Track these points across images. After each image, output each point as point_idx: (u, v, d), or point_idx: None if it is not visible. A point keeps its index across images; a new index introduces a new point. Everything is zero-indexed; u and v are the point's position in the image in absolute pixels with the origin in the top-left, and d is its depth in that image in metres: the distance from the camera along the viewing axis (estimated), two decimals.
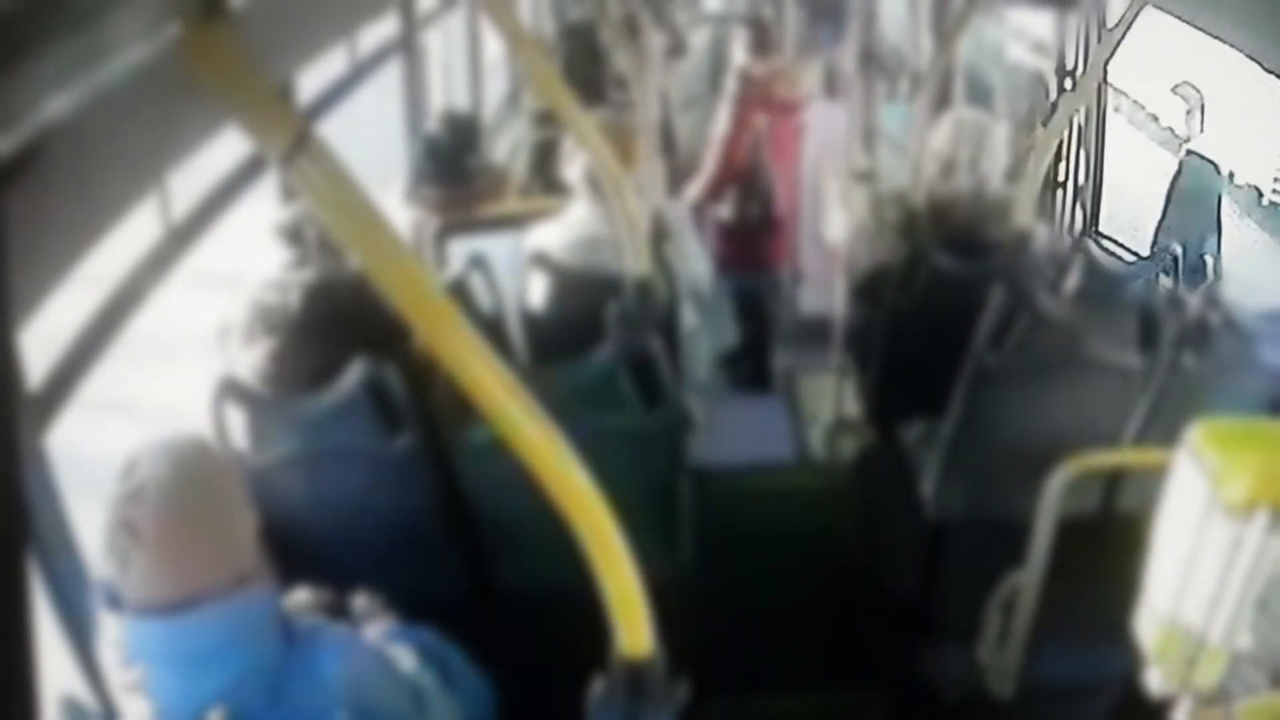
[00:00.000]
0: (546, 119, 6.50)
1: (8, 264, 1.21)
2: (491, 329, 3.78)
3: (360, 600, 2.57)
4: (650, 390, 3.51)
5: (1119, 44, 4.59)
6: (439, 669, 2.52)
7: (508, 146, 7.51)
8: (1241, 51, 3.81)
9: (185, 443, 2.21)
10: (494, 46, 7.12)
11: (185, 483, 2.11)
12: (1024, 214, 4.61)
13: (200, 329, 3.58)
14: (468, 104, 6.95)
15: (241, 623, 2.15)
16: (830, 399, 6.16)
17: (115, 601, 2.10)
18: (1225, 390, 3.68)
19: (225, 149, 2.85)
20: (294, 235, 3.56)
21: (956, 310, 4.03)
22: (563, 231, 4.60)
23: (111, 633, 2.11)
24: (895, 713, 4.65)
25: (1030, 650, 3.67)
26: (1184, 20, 4.23)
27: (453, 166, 4.97)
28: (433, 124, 5.38)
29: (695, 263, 5.04)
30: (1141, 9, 4.38)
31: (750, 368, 6.54)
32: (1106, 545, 3.00)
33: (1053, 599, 3.58)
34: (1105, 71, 5.19)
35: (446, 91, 6.96)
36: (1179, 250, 5.08)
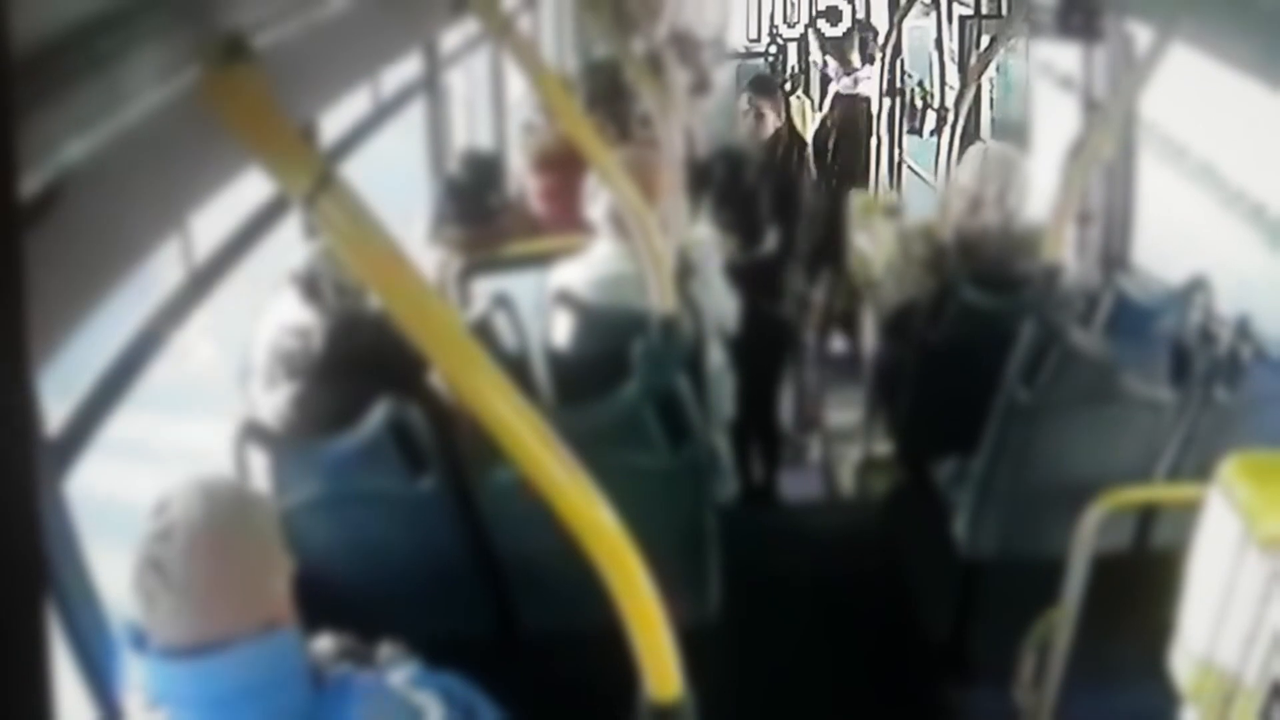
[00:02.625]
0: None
1: (28, 307, 1.19)
2: (516, 368, 3.76)
3: (385, 647, 2.54)
4: (677, 429, 3.49)
5: (1147, 77, 4.56)
6: (464, 715, 2.49)
7: None
8: (1269, 84, 3.79)
9: (219, 484, 2.20)
10: (517, 86, 7.13)
11: (216, 525, 2.09)
12: (1054, 248, 4.58)
13: (222, 372, 3.57)
14: (491, 143, 6.97)
15: (268, 668, 2.12)
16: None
17: (140, 643, 2.08)
18: (1258, 424, 3.64)
19: (248, 190, 2.85)
20: (309, 286, 3.56)
21: (987, 345, 4.00)
22: (587, 269, 4.58)
23: (136, 675, 2.08)
24: None
25: (1064, 690, 3.62)
26: (1211, 53, 4.21)
27: (476, 206, 4.97)
28: (455, 164, 5.38)
29: (721, 300, 5.02)
30: (1169, 42, 4.36)
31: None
32: (1140, 582, 2.96)
33: (1087, 637, 3.53)
34: (1133, 105, 5.15)
35: (470, 131, 6.97)
36: None
